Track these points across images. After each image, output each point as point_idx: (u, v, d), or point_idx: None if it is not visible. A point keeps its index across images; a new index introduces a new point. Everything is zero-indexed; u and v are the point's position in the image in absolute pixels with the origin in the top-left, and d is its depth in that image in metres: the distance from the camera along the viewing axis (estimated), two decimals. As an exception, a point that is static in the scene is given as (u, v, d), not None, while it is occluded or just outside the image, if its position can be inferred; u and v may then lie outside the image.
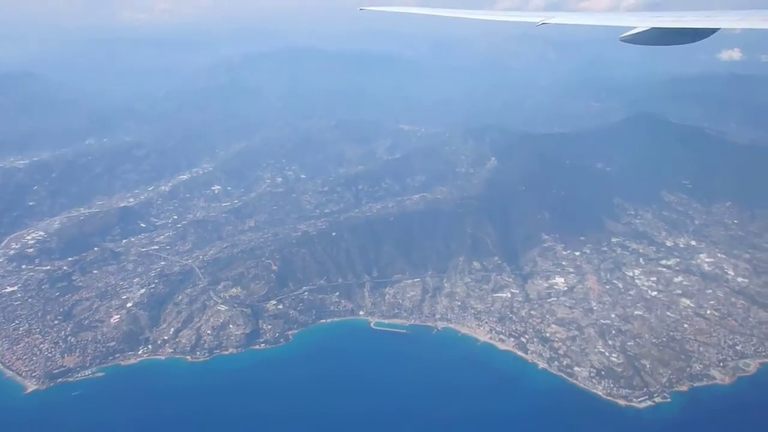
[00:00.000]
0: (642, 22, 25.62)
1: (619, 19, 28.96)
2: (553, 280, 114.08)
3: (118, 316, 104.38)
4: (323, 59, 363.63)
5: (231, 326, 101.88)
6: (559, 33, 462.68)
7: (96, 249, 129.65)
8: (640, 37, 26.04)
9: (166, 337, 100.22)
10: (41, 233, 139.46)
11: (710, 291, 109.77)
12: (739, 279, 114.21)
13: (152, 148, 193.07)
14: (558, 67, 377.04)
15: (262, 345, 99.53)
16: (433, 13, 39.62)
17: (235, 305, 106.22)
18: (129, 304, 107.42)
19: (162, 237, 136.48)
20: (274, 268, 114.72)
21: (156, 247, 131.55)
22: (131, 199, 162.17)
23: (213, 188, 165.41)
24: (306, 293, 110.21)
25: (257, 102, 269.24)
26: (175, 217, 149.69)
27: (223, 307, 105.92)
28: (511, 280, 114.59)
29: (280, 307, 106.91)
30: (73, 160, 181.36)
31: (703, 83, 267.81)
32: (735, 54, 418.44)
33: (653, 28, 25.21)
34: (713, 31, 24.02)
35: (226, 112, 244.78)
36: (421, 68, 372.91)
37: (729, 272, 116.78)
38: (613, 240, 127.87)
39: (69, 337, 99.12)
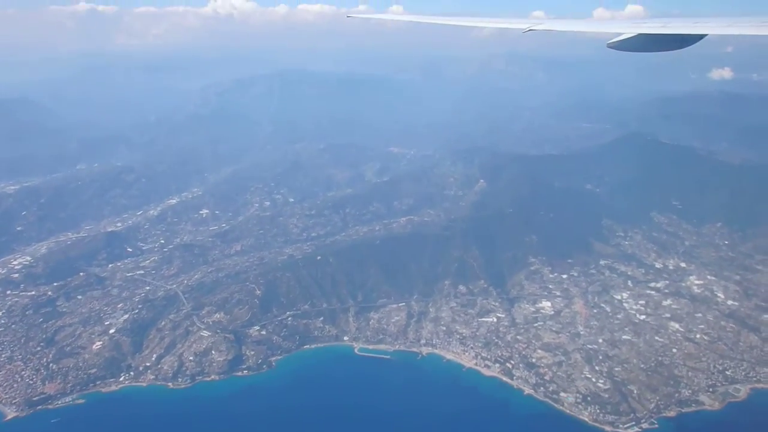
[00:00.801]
0: (629, 29, 25.68)
1: (605, 25, 29.01)
2: (540, 304, 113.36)
3: (101, 342, 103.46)
4: (314, 82, 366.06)
5: (213, 352, 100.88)
6: (550, 52, 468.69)
7: (81, 274, 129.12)
8: (627, 43, 25.97)
9: (148, 364, 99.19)
10: (28, 258, 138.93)
11: (700, 314, 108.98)
12: (729, 302, 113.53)
13: (142, 173, 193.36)
14: (548, 88, 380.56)
15: (245, 371, 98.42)
16: (418, 20, 39.71)
17: (218, 331, 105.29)
18: (112, 330, 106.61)
19: (148, 262, 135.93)
20: (258, 293, 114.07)
21: (141, 271, 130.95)
22: (119, 224, 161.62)
23: (201, 212, 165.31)
24: (290, 318, 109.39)
25: (247, 126, 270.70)
26: (162, 241, 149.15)
27: (205, 333, 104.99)
28: (497, 304, 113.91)
29: (264, 332, 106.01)
30: (63, 185, 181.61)
31: (694, 103, 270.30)
32: (726, 73, 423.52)
33: (640, 34, 25.16)
34: (700, 37, 23.92)
35: (217, 136, 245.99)
36: (412, 90, 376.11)
37: (719, 295, 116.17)
38: (602, 262, 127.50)
39: (51, 364, 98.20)
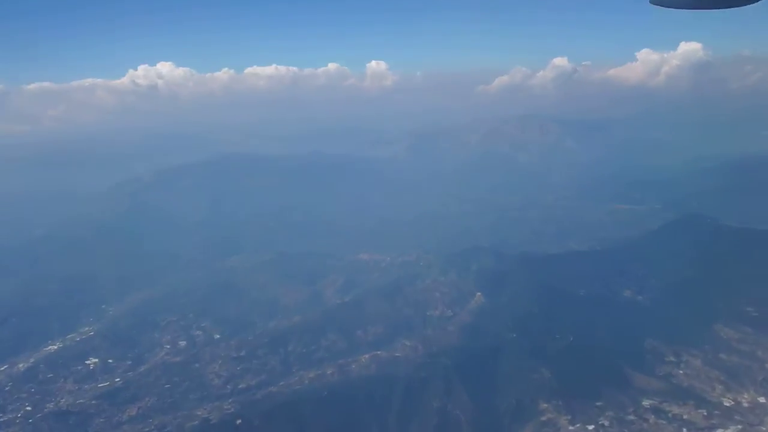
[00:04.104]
0: None
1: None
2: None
3: None
4: (263, 169, 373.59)
5: None
6: (579, 112, 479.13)
7: None
8: None
9: None
10: None
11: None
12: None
13: (14, 310, 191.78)
14: (577, 158, 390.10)
15: None
16: None
17: None
18: None
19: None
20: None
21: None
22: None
23: (88, 362, 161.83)
24: None
25: (168, 234, 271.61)
26: (29, 408, 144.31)
27: None
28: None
29: None
30: None
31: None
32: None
33: None
34: None
35: (125, 251, 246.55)
36: (394, 172, 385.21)
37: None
38: (645, 403, 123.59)
39: None
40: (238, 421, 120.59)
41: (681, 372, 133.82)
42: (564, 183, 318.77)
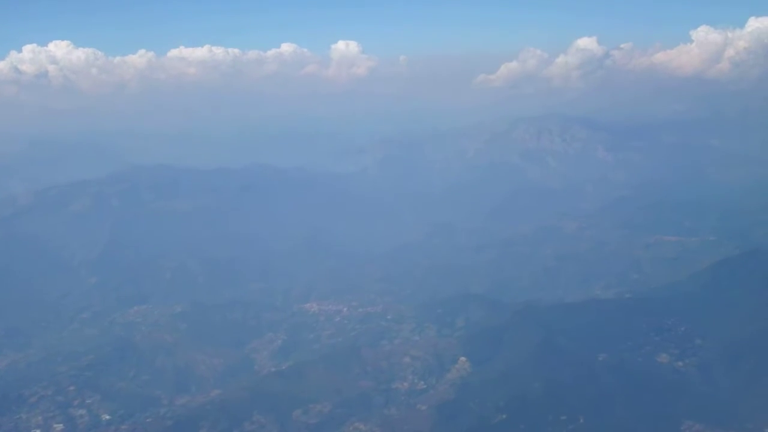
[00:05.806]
0: None
1: None
2: None
3: None
4: (186, 186, 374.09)
5: None
6: (615, 111, 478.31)
7: None
8: None
9: None
10: None
11: None
12: None
13: None
14: (610, 173, 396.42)
15: None
16: None
17: None
18: None
19: None
20: None
21: None
22: None
23: None
24: None
25: (48, 275, 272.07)
26: None
27: None
28: None
29: None
30: None
31: None
32: None
33: None
34: None
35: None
36: (365, 192, 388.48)
37: None
38: None
39: None
40: None
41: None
42: (591, 206, 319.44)
